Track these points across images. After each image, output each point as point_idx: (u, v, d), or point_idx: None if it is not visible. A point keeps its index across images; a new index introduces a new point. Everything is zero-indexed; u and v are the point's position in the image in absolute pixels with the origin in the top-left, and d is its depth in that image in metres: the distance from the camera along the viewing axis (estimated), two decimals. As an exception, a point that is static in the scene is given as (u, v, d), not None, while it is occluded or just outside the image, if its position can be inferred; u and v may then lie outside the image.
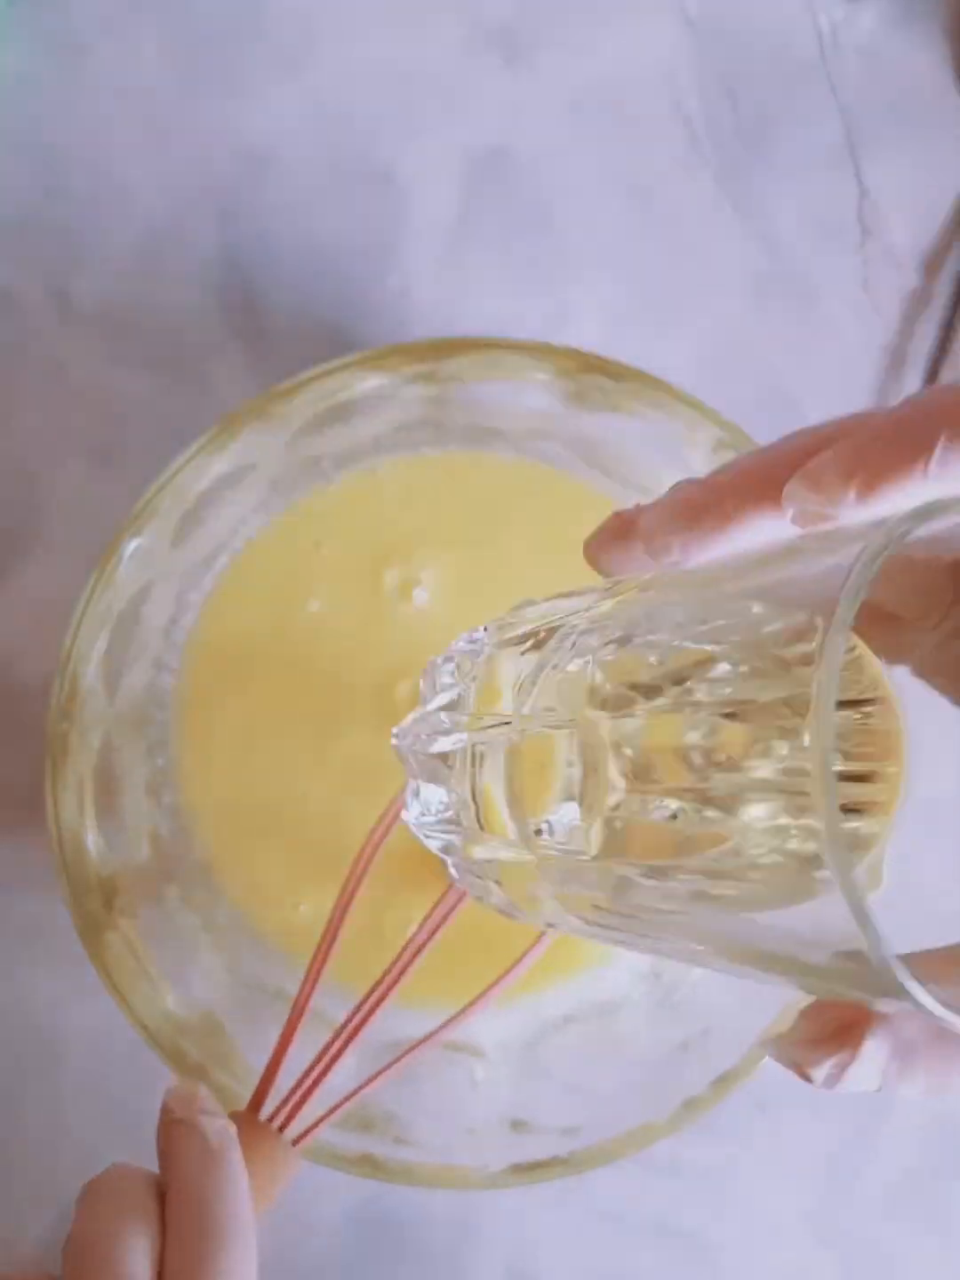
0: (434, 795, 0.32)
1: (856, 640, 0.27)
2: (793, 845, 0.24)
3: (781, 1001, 0.41)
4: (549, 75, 0.51)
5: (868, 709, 0.27)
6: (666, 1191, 0.50)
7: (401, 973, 0.39)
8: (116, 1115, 0.49)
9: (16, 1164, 0.48)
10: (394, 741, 0.34)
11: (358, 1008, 0.39)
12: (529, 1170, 0.42)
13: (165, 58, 0.50)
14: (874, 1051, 0.26)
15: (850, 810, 0.28)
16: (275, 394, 0.41)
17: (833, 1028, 0.26)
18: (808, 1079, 0.27)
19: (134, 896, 0.44)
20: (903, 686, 0.27)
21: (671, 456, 0.45)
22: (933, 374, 0.51)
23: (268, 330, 0.50)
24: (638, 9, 0.51)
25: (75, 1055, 0.49)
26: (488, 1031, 0.46)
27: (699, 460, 0.44)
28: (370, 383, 0.43)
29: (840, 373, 0.51)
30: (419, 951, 0.39)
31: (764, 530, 0.27)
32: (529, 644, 0.30)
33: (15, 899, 0.48)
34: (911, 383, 0.51)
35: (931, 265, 0.52)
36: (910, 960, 0.19)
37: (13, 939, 0.49)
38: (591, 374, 0.42)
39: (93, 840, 0.43)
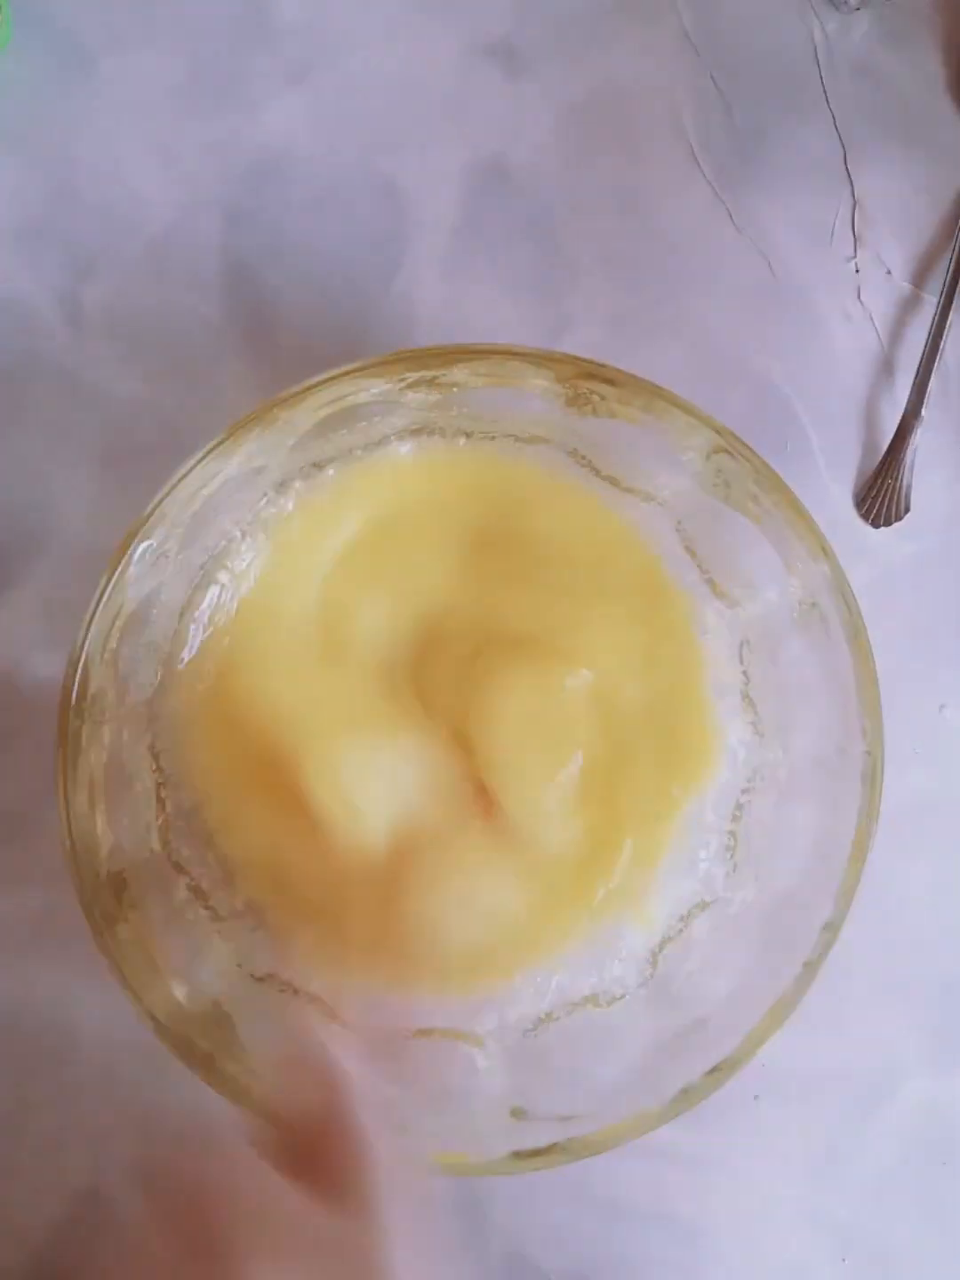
0: None
1: None
2: None
3: (776, 991, 0.42)
4: (548, 87, 0.52)
5: None
6: (663, 1178, 0.51)
7: None
8: (127, 1105, 0.49)
9: (29, 1154, 0.49)
10: None
11: None
12: (528, 1157, 0.42)
13: (173, 69, 0.51)
14: None
15: None
16: (279, 401, 0.41)
17: None
18: None
19: (144, 891, 0.44)
20: None
21: (667, 461, 0.46)
22: (923, 380, 0.52)
23: (274, 337, 0.50)
24: (635, 23, 0.52)
25: (86, 1046, 0.49)
26: (486, 1019, 0.47)
27: (694, 464, 0.45)
28: (373, 389, 0.44)
29: (833, 379, 0.52)
30: None
31: None
32: None
33: (28, 893, 0.49)
34: (902, 388, 0.52)
35: (922, 273, 0.53)
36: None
37: (25, 933, 0.49)
38: (588, 380, 0.43)
39: (103, 836, 0.43)
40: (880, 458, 0.52)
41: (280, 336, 0.50)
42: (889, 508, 0.52)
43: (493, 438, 0.47)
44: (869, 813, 0.43)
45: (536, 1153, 0.42)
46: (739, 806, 0.48)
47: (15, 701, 0.49)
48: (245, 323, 0.50)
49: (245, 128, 0.51)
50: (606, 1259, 0.51)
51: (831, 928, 0.43)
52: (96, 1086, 0.49)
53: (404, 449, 0.47)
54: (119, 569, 0.41)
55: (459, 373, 0.43)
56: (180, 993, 0.43)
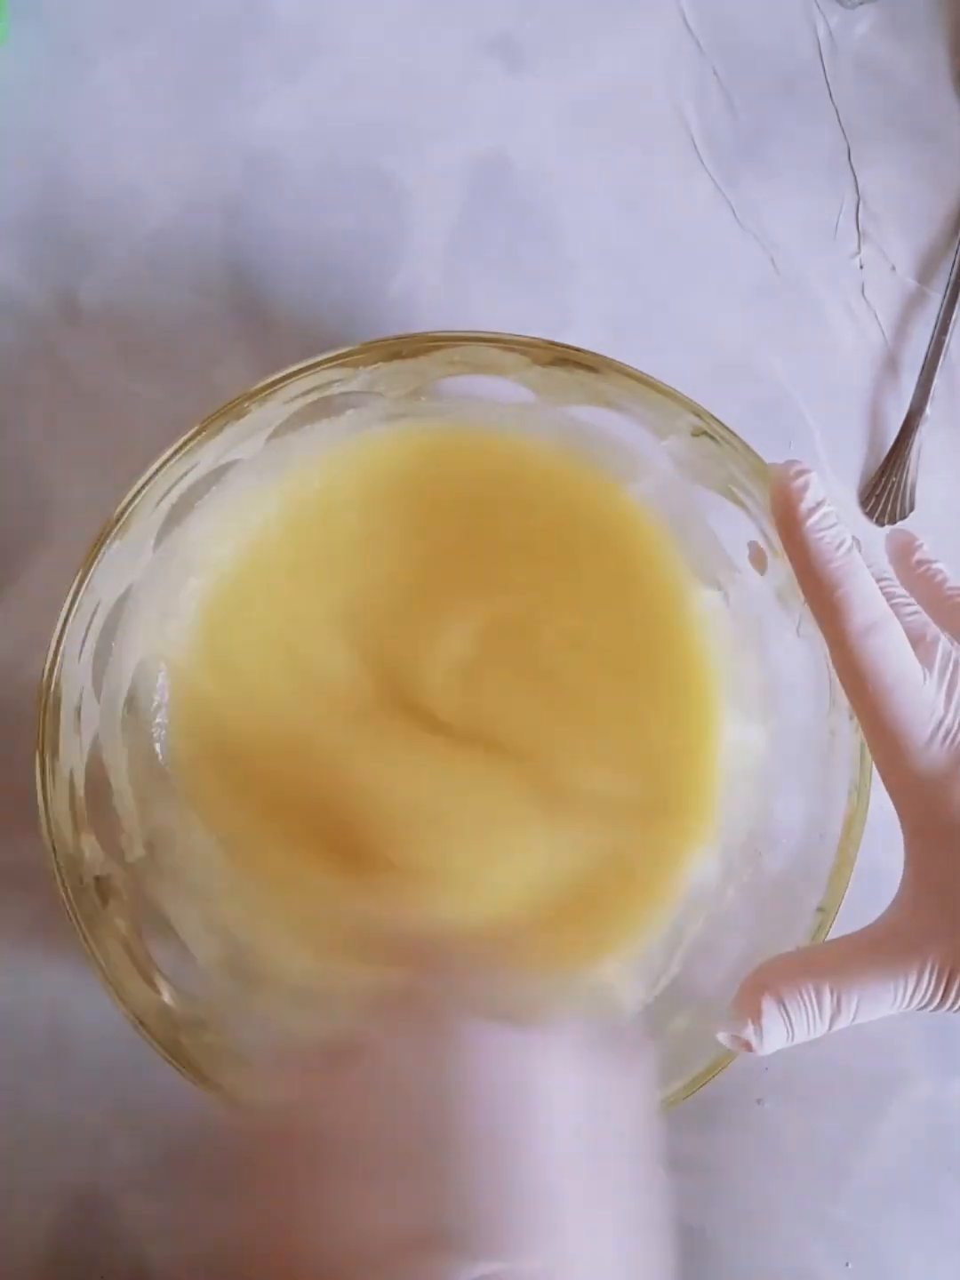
0: None
1: None
2: None
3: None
4: (550, 82, 0.52)
5: None
6: (665, 1182, 0.50)
7: None
8: (123, 1108, 0.49)
9: (26, 1157, 0.49)
10: None
11: None
12: None
13: (171, 63, 0.51)
14: (769, 1008, 0.36)
15: None
16: (250, 394, 0.41)
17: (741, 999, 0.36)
18: (748, 1048, 0.36)
19: (129, 893, 0.44)
20: None
21: (649, 445, 0.45)
22: (928, 376, 0.51)
23: (273, 332, 0.50)
24: (638, 17, 0.52)
25: (82, 1049, 0.49)
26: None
27: (675, 448, 0.45)
28: (347, 380, 0.43)
29: (837, 376, 0.52)
30: None
31: None
32: None
33: (24, 895, 0.49)
34: (907, 385, 0.52)
35: (927, 269, 0.52)
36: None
37: (21, 935, 0.49)
38: (565, 365, 0.43)
39: (85, 839, 0.43)
40: (885, 455, 0.52)
41: (279, 333, 0.50)
42: (894, 505, 0.52)
43: (473, 427, 0.47)
44: (860, 793, 0.42)
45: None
46: (730, 793, 0.48)
47: (10, 700, 0.49)
48: (244, 320, 0.50)
49: (244, 124, 0.51)
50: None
51: (825, 911, 0.42)
52: (94, 1089, 0.49)
53: (382, 440, 0.47)
54: (91, 568, 0.41)
55: (433, 360, 0.43)
56: (168, 995, 0.43)
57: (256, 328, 0.50)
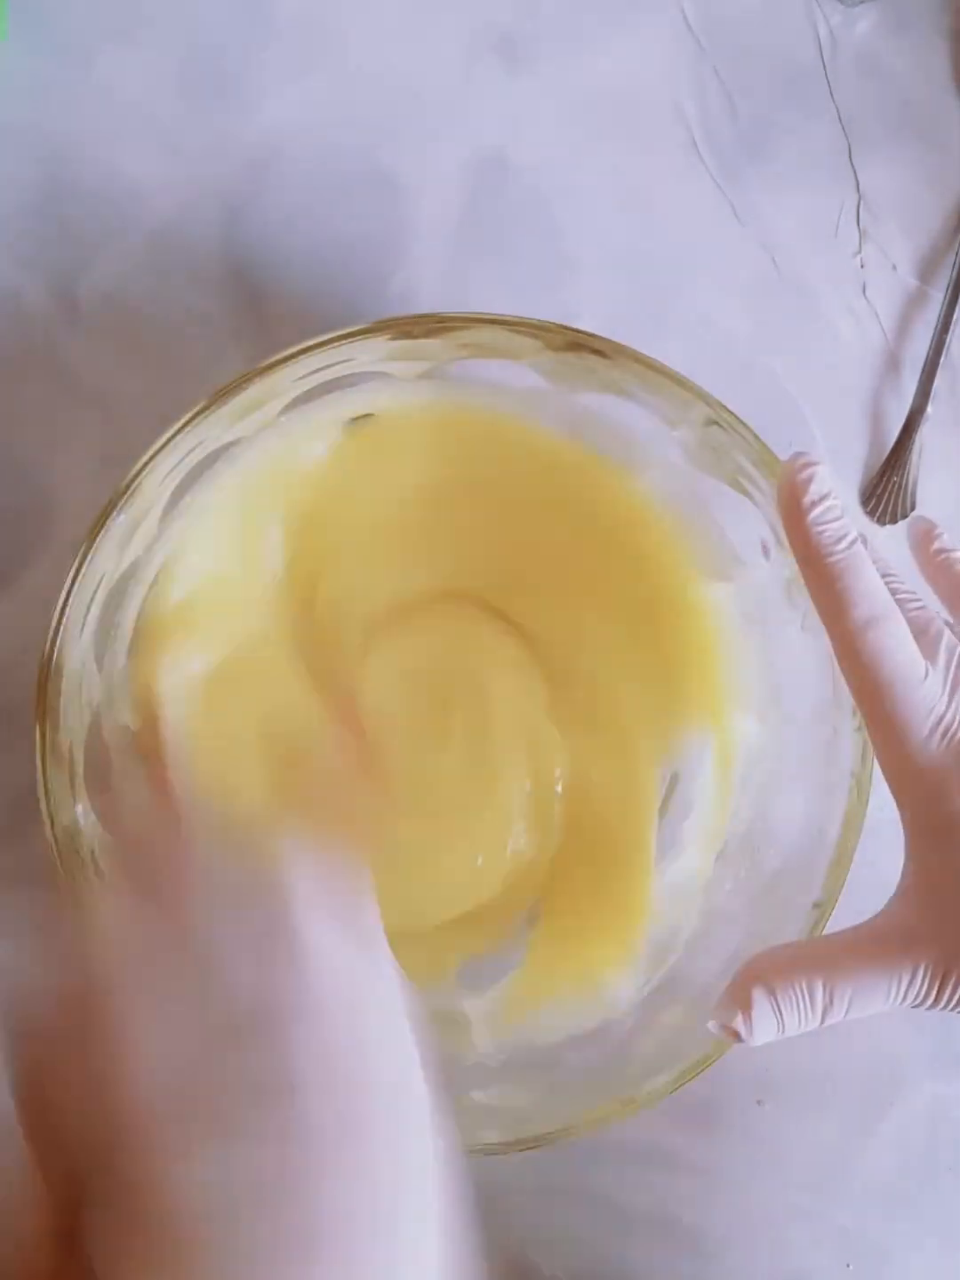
0: None
1: None
2: None
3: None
4: (551, 81, 0.52)
5: None
6: (666, 1184, 0.50)
7: None
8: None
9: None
10: None
11: None
12: (511, 1144, 0.42)
13: (172, 62, 0.50)
14: (760, 999, 0.36)
15: None
16: (259, 370, 0.41)
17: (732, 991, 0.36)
18: (737, 1038, 0.36)
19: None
20: None
21: (659, 434, 0.45)
22: (929, 376, 0.51)
23: (274, 332, 0.50)
24: (638, 16, 0.52)
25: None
26: (472, 1003, 0.47)
27: (685, 437, 0.45)
28: (357, 359, 0.43)
29: (838, 375, 0.52)
30: None
31: None
32: None
33: (31, 888, 0.49)
34: (908, 384, 0.52)
35: (928, 269, 0.52)
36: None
37: (27, 929, 0.49)
38: (577, 350, 0.43)
39: (85, 819, 0.42)
40: (886, 455, 0.52)
41: (280, 332, 0.50)
42: (895, 505, 0.52)
43: (482, 411, 0.47)
44: (860, 790, 0.42)
45: (518, 1140, 0.42)
46: (731, 788, 0.48)
47: (17, 699, 0.49)
48: (244, 318, 0.50)
49: (245, 121, 0.51)
50: (609, 1264, 0.50)
51: (821, 907, 0.42)
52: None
53: (390, 422, 0.46)
54: (95, 542, 0.41)
55: (448, 341, 0.43)
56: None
57: (256, 326, 0.50)
